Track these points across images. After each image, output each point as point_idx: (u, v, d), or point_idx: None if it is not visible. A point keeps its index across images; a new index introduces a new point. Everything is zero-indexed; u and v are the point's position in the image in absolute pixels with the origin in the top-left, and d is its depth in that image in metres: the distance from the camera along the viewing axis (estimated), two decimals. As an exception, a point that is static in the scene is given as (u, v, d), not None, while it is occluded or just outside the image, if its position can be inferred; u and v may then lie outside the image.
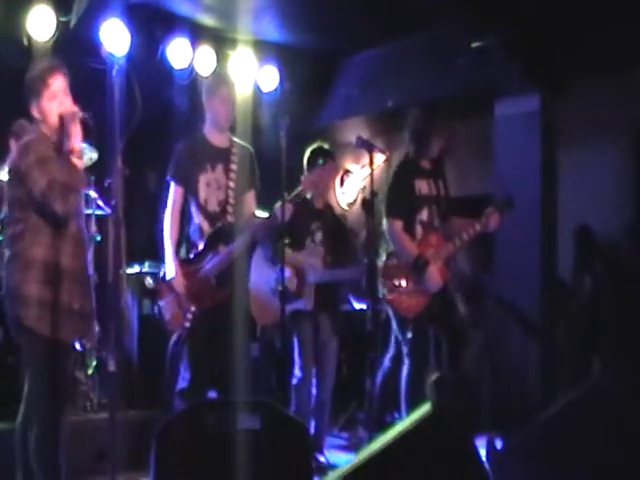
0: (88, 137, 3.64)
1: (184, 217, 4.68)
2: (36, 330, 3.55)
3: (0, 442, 4.37)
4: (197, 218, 4.64)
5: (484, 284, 6.68)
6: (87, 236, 3.93)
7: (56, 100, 3.64)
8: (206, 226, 4.63)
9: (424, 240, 4.87)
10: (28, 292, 3.56)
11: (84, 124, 3.63)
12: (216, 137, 4.75)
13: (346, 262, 5.32)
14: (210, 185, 4.65)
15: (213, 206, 4.65)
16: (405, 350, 4.90)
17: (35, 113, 3.69)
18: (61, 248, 3.60)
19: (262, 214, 4.80)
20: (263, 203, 4.79)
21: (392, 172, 4.96)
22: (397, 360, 5.04)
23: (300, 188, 4.57)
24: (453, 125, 5.43)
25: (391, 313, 4.93)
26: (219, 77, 4.95)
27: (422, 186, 4.93)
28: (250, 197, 4.78)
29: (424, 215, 4.91)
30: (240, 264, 4.68)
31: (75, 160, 3.62)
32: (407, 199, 4.85)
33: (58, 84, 3.66)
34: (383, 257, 4.93)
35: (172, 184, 4.67)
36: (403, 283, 4.81)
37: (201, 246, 4.61)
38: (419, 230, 4.88)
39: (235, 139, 4.81)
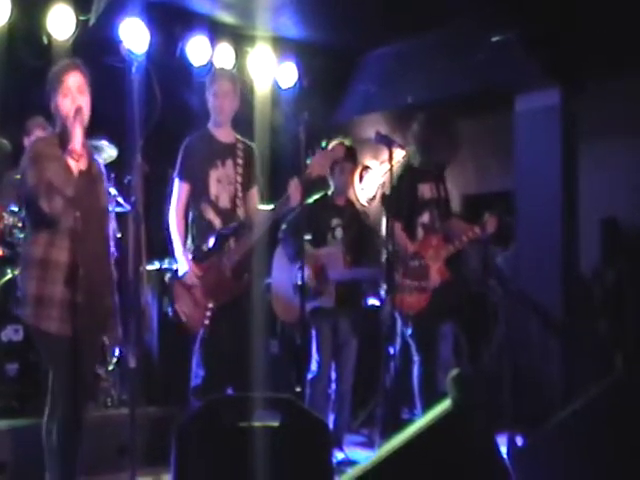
0: (103, 131, 3.60)
1: (192, 213, 4.64)
2: (38, 327, 3.60)
3: (23, 437, 4.42)
4: (208, 214, 4.61)
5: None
6: (102, 232, 3.83)
7: (68, 97, 3.64)
8: (218, 222, 4.60)
9: (425, 241, 5.00)
10: (25, 291, 3.62)
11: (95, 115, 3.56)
12: (221, 133, 4.71)
13: (366, 262, 5.30)
14: (221, 181, 4.64)
15: (224, 202, 4.63)
16: (413, 347, 4.95)
17: (53, 110, 3.71)
18: (56, 244, 3.59)
19: (266, 208, 4.73)
20: (278, 198, 4.75)
21: (396, 175, 4.91)
22: (404, 356, 5.06)
23: (308, 171, 4.47)
24: (464, 126, 5.40)
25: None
26: (217, 71, 4.90)
27: (425, 190, 5.06)
28: (254, 193, 4.77)
29: (425, 218, 5.04)
30: (257, 255, 4.67)
31: (70, 162, 3.60)
32: (409, 203, 4.95)
33: (73, 81, 3.66)
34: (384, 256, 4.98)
35: (177, 180, 4.64)
36: (404, 281, 4.86)
37: (212, 241, 4.58)
38: (420, 232, 5.02)
39: (238, 135, 4.78)
